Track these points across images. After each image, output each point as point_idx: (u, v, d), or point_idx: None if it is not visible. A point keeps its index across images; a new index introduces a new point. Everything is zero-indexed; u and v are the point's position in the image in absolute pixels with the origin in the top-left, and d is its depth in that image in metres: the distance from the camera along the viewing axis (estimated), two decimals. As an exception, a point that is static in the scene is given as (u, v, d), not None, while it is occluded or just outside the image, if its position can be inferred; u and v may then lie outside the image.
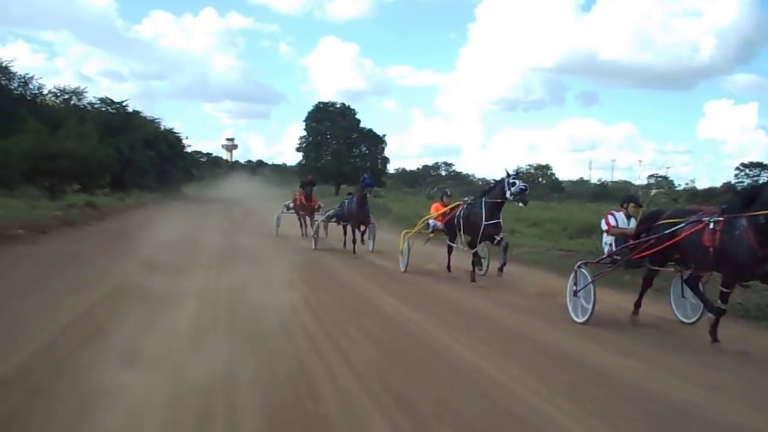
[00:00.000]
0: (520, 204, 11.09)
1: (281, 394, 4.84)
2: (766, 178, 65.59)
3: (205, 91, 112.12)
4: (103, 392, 4.56)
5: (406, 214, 25.03)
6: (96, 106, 39.87)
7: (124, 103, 40.99)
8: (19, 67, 38.30)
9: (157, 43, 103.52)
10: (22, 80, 31.51)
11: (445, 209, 12.81)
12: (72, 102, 37.98)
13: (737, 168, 70.64)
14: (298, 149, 59.37)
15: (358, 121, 58.31)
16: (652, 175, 70.48)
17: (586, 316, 7.84)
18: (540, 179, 64.38)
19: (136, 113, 41.59)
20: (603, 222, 8.66)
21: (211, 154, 77.44)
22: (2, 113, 27.21)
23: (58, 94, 36.97)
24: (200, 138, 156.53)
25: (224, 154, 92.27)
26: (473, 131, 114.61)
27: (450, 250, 12.43)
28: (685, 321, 7.99)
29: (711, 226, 6.90)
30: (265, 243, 16.89)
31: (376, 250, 15.47)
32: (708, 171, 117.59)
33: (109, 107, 40.12)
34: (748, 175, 68.09)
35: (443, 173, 72.44)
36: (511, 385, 5.32)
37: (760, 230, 6.44)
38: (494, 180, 12.42)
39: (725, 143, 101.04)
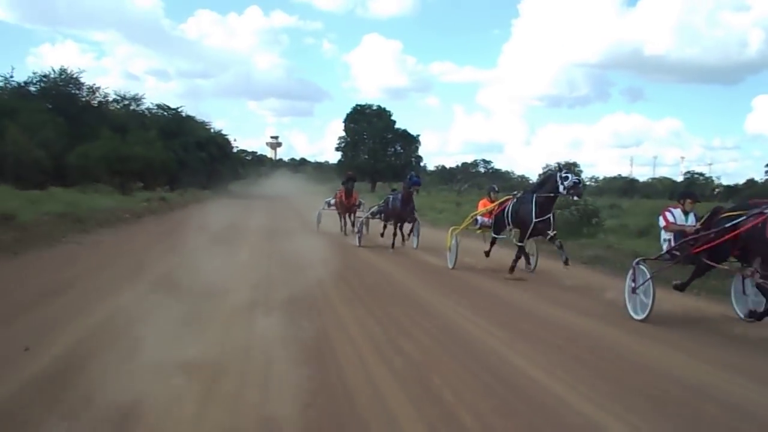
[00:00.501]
0: (575, 197, 11.08)
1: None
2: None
3: (249, 89, 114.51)
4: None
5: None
6: (153, 111, 43.57)
7: (179, 109, 44.65)
8: (70, 66, 42.13)
9: (203, 42, 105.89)
10: (90, 89, 35.31)
11: (492, 205, 12.78)
12: (131, 107, 41.23)
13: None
14: (337, 149, 63.50)
15: (394, 121, 61.92)
16: (688, 172, 69.07)
17: (646, 313, 7.75)
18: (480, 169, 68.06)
19: (189, 118, 45.00)
20: (661, 218, 8.53)
21: (256, 152, 79.84)
22: (74, 120, 31.41)
23: (119, 99, 40.11)
24: (245, 135, 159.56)
25: (268, 152, 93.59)
26: (516, 127, 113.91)
27: (493, 242, 12.46)
28: (743, 317, 7.84)
29: (773, 217, 6.76)
30: (308, 240, 16.88)
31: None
32: (756, 166, 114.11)
33: (165, 112, 43.79)
34: None
35: (482, 170, 73.49)
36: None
37: None
38: (538, 176, 12.42)
39: None
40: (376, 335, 6.73)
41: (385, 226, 16.56)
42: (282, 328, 6.75)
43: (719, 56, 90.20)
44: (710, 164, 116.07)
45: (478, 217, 13.02)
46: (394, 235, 15.57)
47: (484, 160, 76.78)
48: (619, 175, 76.61)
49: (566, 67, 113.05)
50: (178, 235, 15.92)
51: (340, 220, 19.29)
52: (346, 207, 18.80)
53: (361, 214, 18.42)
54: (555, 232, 11.08)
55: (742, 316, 7.93)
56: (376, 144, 60.75)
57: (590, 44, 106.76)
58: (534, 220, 10.99)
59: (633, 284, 8.12)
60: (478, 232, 13.23)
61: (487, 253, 12.61)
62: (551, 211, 11.11)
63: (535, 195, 11.21)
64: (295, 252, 13.54)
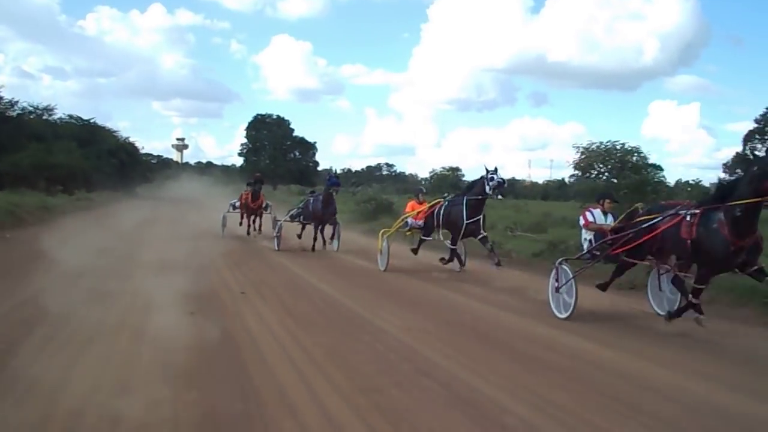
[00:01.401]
0: (499, 197, 11.39)
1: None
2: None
3: (153, 89, 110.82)
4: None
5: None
6: (65, 120, 47.59)
7: (91, 120, 49.41)
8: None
9: (103, 39, 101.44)
10: (8, 102, 38.68)
11: (422, 207, 12.89)
12: (44, 117, 44.38)
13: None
14: (239, 154, 68.86)
15: (292, 129, 68.40)
16: (573, 175, 73.50)
17: (569, 311, 7.97)
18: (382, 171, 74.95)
19: (100, 127, 49.95)
20: (581, 218, 8.81)
21: (162, 156, 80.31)
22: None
23: (33, 110, 43.59)
24: (149, 137, 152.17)
25: (174, 154, 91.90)
26: (427, 131, 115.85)
27: (420, 242, 12.65)
28: (662, 313, 8.16)
29: (688, 219, 7.08)
30: (215, 244, 16.37)
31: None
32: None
33: (76, 122, 48.27)
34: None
35: (385, 173, 79.12)
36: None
37: (736, 222, 6.62)
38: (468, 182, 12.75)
39: (668, 142, 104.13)
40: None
41: (303, 228, 16.32)
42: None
43: (617, 63, 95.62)
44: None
45: (408, 219, 13.09)
46: (315, 237, 15.43)
47: (387, 164, 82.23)
48: (513, 177, 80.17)
49: (474, 72, 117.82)
50: (104, 226, 19.00)
51: (245, 222, 18.55)
52: (252, 209, 18.23)
53: (268, 216, 18.22)
54: (486, 233, 11.38)
55: (658, 311, 8.27)
56: (276, 150, 66.52)
57: (497, 50, 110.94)
58: (465, 221, 11.22)
59: (556, 284, 8.33)
60: (408, 234, 13.31)
61: (415, 251, 12.83)
62: (481, 213, 11.37)
63: (465, 198, 11.46)
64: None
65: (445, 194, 13.00)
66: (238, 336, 6.78)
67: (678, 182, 33.69)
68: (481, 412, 4.65)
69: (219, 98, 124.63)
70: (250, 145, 67.54)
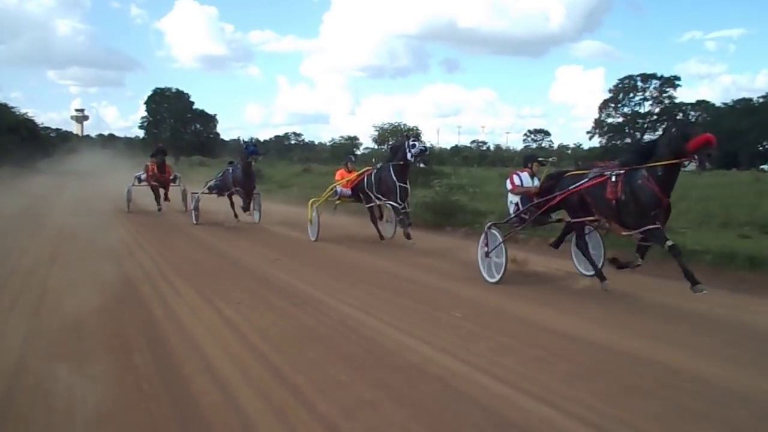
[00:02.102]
0: (421, 164, 11.31)
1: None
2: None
3: (48, 56, 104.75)
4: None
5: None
6: None
7: None
8: None
9: None
10: None
11: (351, 176, 12.71)
12: None
13: (525, 133, 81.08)
14: (140, 127, 69.86)
15: (192, 102, 70.39)
16: (474, 141, 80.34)
17: (500, 275, 8.04)
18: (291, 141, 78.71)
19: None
20: (507, 182, 8.84)
21: (61, 129, 77.55)
22: None
23: None
24: (46, 108, 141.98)
25: (74, 126, 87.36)
26: (341, 98, 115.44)
27: (373, 217, 12.34)
28: (586, 273, 8.36)
29: (613, 179, 7.21)
30: (126, 220, 15.77)
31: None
32: (561, 133, 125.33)
33: None
34: (534, 140, 79.30)
35: (293, 142, 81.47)
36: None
37: (659, 181, 6.78)
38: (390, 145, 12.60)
39: (575, 107, 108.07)
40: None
41: (229, 198, 15.81)
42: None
43: (525, 29, 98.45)
44: (508, 133, 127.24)
45: (338, 188, 12.84)
46: (237, 207, 15.13)
47: (294, 133, 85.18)
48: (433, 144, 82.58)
49: (386, 38, 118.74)
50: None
51: (155, 196, 17.81)
52: (161, 181, 17.48)
53: (177, 188, 17.79)
54: (407, 207, 11.37)
55: (582, 271, 8.46)
56: (176, 123, 68.37)
57: (408, 16, 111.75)
58: (398, 183, 11.15)
59: (486, 248, 8.37)
60: (338, 203, 13.06)
61: (376, 224, 12.53)
62: (406, 181, 11.32)
63: (390, 164, 11.38)
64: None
65: (374, 161, 12.79)
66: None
67: (560, 145, 35.57)
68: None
69: (120, 66, 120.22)
70: (151, 118, 68.87)
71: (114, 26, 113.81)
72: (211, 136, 71.52)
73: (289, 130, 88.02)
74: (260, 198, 15.51)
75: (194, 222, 15.02)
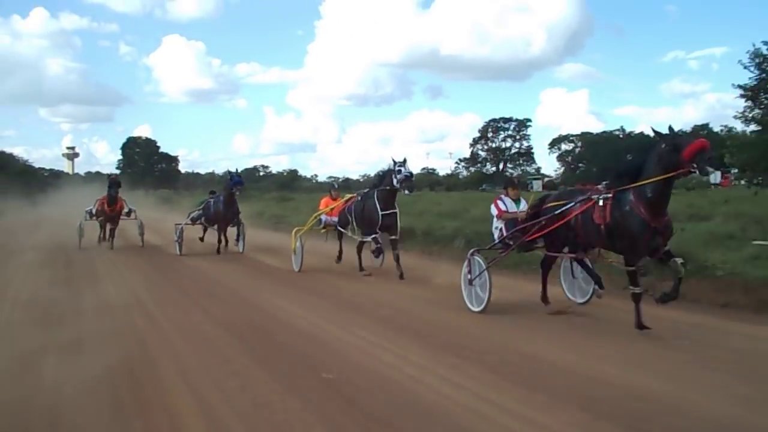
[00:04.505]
0: (406, 191, 10.82)
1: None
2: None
3: (39, 95, 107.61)
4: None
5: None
6: None
7: None
8: None
9: None
10: None
11: (336, 203, 12.36)
12: None
13: (456, 161, 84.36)
14: (116, 168, 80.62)
15: (158, 147, 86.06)
16: (424, 168, 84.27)
17: (483, 305, 7.64)
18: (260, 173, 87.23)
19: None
20: (493, 207, 8.47)
21: (54, 169, 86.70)
22: None
23: None
24: (37, 145, 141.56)
25: (66, 164, 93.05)
26: (327, 127, 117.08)
27: (360, 247, 11.63)
28: (579, 301, 7.98)
29: (600, 203, 6.83)
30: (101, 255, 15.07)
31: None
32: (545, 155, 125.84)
33: None
34: (465, 167, 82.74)
35: (261, 173, 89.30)
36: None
37: (649, 203, 6.40)
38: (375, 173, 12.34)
39: (561, 128, 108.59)
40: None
41: (205, 230, 15.82)
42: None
43: (508, 55, 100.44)
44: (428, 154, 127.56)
45: (322, 216, 12.48)
46: (219, 240, 14.79)
47: (263, 165, 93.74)
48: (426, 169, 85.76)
49: (370, 67, 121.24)
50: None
51: (100, 231, 16.57)
52: (109, 216, 16.08)
53: (134, 222, 16.92)
54: (397, 237, 10.92)
55: (571, 297, 8.11)
56: (146, 164, 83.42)
57: (391, 45, 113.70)
58: (381, 212, 10.70)
59: (469, 276, 7.97)
60: (323, 231, 12.65)
61: (339, 258, 12.14)
62: (394, 206, 10.88)
63: (376, 190, 10.96)
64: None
65: (365, 190, 12.34)
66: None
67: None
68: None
69: (110, 102, 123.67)
70: (125, 161, 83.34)
71: (104, 64, 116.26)
72: (173, 172, 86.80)
73: (276, 161, 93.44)
74: (244, 228, 15.17)
75: (178, 253, 14.63)
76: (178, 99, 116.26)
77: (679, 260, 6.50)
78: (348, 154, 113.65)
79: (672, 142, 6.29)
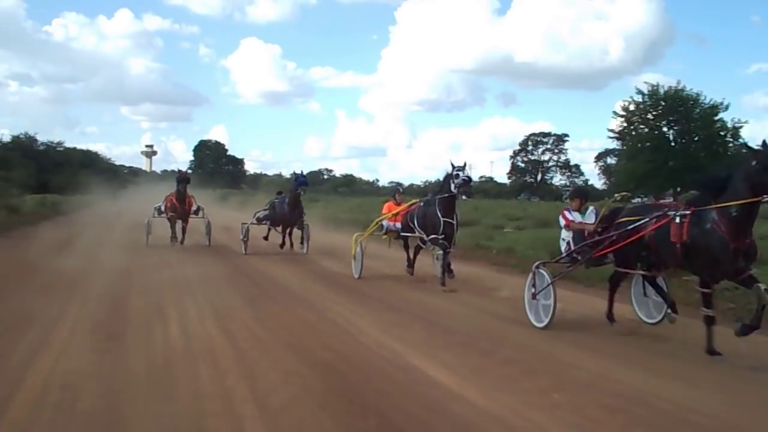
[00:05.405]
0: (464, 197, 10.55)
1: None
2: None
3: (122, 93, 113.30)
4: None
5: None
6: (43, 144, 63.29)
7: (64, 143, 66.86)
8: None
9: (70, 45, 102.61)
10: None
11: (399, 209, 12.08)
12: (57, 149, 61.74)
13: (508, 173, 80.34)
14: (189, 168, 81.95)
15: (226, 150, 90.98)
16: (481, 176, 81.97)
17: (548, 319, 7.36)
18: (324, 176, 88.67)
19: (95, 154, 70.24)
20: (561, 218, 8.15)
21: (133, 166, 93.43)
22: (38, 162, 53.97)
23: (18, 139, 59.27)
24: (118, 142, 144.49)
25: (144, 161, 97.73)
26: (398, 132, 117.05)
27: (417, 251, 11.63)
28: (648, 321, 7.57)
29: (677, 220, 6.39)
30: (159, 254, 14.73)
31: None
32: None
33: (56, 147, 65.00)
34: (507, 177, 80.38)
35: (325, 177, 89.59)
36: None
37: (733, 222, 5.92)
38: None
39: None
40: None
41: (269, 230, 15.95)
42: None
43: (583, 63, 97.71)
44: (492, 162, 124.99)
45: (384, 222, 12.27)
46: (283, 241, 15.02)
47: (326, 169, 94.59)
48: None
49: (443, 73, 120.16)
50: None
51: (171, 229, 16.28)
52: (180, 213, 15.99)
53: (201, 221, 16.59)
54: (450, 249, 10.63)
55: (642, 317, 7.67)
56: (214, 165, 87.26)
57: (464, 51, 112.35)
58: (442, 219, 10.50)
59: (533, 289, 7.69)
60: (385, 237, 12.42)
61: (410, 266, 11.87)
62: (454, 213, 10.67)
63: (437, 197, 10.78)
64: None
65: (426, 197, 12.13)
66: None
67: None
68: None
69: (188, 102, 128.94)
70: (197, 161, 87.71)
71: (184, 64, 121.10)
72: (239, 173, 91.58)
73: (347, 163, 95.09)
74: (309, 230, 15.28)
75: (244, 252, 14.88)
76: (253, 101, 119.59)
77: (763, 286, 5.92)
78: (418, 159, 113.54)
79: (765, 161, 5.67)
